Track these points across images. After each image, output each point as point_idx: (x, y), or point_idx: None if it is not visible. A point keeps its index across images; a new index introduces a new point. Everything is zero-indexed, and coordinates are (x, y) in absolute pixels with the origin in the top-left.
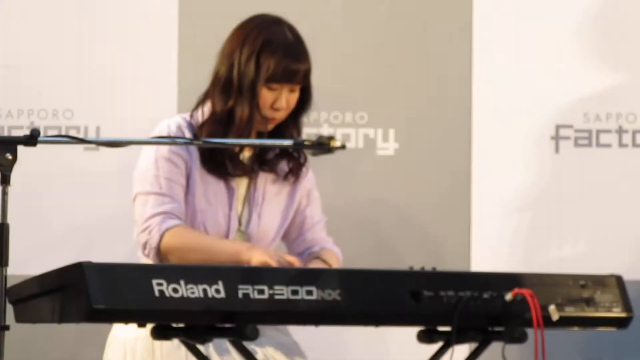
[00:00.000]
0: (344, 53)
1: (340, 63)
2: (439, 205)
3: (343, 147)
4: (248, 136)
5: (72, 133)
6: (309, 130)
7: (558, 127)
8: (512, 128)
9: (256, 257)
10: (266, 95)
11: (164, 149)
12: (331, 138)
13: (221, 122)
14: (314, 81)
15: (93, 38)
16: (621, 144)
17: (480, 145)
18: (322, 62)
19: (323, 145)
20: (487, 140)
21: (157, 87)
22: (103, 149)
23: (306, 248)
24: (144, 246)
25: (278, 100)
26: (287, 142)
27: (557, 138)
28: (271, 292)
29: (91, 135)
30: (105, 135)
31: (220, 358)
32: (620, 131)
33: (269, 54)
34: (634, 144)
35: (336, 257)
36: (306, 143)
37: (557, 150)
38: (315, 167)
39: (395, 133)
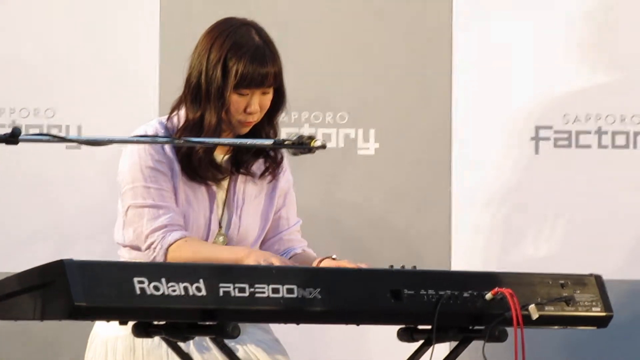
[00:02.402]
0: (325, 53)
1: (321, 63)
2: (419, 205)
3: (323, 146)
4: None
5: (54, 132)
6: (289, 130)
7: (538, 128)
8: (492, 129)
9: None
10: (238, 101)
11: (148, 158)
12: (312, 138)
13: (193, 130)
14: (295, 81)
15: (74, 37)
16: (601, 145)
17: (460, 146)
18: (303, 62)
19: (303, 145)
20: (467, 141)
21: (139, 86)
22: (85, 147)
23: (286, 249)
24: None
25: (250, 105)
26: (268, 142)
27: (537, 139)
28: (252, 290)
29: (73, 134)
30: (86, 134)
31: (201, 356)
32: (600, 132)
33: (236, 59)
34: (614, 145)
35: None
36: (287, 143)
37: (537, 151)
38: (295, 166)
39: (376, 133)
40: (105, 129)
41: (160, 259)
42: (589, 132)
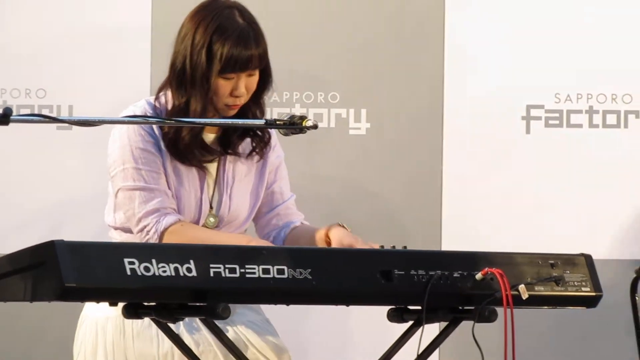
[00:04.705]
0: (317, 33)
1: (312, 43)
2: (410, 185)
3: (315, 126)
4: (202, 128)
5: (45, 112)
6: (281, 110)
7: (529, 108)
8: (484, 108)
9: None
10: (223, 85)
11: (137, 140)
12: (303, 118)
13: (179, 115)
14: (286, 61)
15: (66, 17)
16: (592, 125)
17: (451, 125)
18: (295, 42)
19: (295, 125)
20: (459, 120)
21: (130, 66)
22: (76, 128)
23: (285, 222)
24: None
25: (237, 88)
26: (260, 122)
27: (528, 118)
28: (242, 270)
29: (64, 115)
30: (78, 115)
31: (191, 337)
32: (591, 112)
33: (220, 43)
34: (605, 125)
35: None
36: (278, 122)
37: (528, 130)
38: (287, 146)
39: (367, 113)
40: (96, 109)
41: (154, 242)
42: (580, 112)
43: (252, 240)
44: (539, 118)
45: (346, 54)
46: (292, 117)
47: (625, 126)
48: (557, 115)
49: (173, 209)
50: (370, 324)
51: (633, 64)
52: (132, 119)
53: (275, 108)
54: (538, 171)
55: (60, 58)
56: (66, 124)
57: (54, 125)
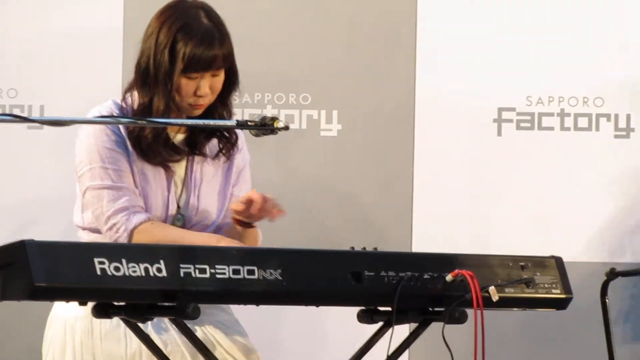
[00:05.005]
0: (289, 35)
1: (284, 44)
2: (381, 186)
3: (286, 128)
4: (165, 127)
5: (16, 112)
6: (252, 111)
7: (500, 110)
8: (455, 110)
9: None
10: (187, 84)
11: (104, 139)
12: (274, 119)
13: (143, 114)
14: (258, 62)
15: (37, 18)
16: (563, 128)
17: (423, 127)
18: (267, 44)
19: (267, 126)
20: (430, 122)
21: (102, 67)
22: (47, 128)
23: (229, 221)
24: None
25: (200, 88)
26: (232, 123)
27: (499, 121)
28: (212, 271)
29: (35, 115)
30: (49, 115)
31: (159, 337)
32: (563, 114)
33: (183, 42)
34: (576, 128)
35: (254, 236)
36: (250, 124)
37: (499, 133)
38: (258, 147)
39: (339, 114)
40: (68, 109)
41: (123, 240)
42: (551, 114)
43: (222, 239)
44: (510, 121)
45: (318, 56)
46: (264, 118)
47: (597, 129)
48: (528, 118)
49: (141, 207)
50: (341, 324)
51: (604, 67)
52: (103, 119)
53: (246, 109)
54: (509, 174)
55: (32, 58)
56: (37, 124)
57: (25, 125)
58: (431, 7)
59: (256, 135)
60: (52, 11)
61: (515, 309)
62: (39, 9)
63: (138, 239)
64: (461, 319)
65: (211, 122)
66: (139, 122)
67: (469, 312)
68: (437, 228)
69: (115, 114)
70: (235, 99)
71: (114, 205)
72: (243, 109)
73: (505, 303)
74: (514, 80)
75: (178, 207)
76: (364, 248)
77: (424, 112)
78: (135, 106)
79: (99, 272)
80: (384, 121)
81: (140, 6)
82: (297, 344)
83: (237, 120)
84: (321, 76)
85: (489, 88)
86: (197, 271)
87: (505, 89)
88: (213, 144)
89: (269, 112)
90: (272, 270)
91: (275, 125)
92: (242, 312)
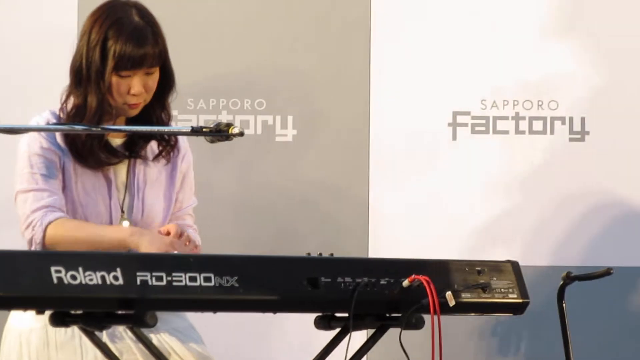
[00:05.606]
0: (243, 39)
1: (239, 50)
2: (337, 192)
3: (241, 134)
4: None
5: None
6: (207, 117)
7: (455, 114)
8: (410, 115)
9: (137, 237)
10: (119, 83)
11: (36, 146)
12: (229, 125)
13: (78, 115)
14: (212, 68)
15: None
16: (518, 131)
17: (378, 132)
18: (220, 50)
19: (222, 132)
20: (385, 126)
21: (55, 74)
22: (1, 135)
23: None
24: (30, 243)
25: (132, 87)
26: (186, 129)
27: (454, 125)
28: (169, 278)
29: None
30: (3, 123)
31: (114, 345)
32: (517, 118)
33: (113, 40)
34: (531, 131)
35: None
36: (205, 130)
37: (454, 137)
38: (213, 154)
39: (294, 120)
40: (22, 117)
41: (38, 237)
42: (506, 118)
43: (134, 232)
44: (465, 124)
45: (272, 61)
46: (219, 124)
47: (552, 132)
48: (483, 121)
49: (62, 209)
50: (300, 330)
51: (559, 70)
52: (57, 127)
53: (201, 115)
54: (465, 177)
55: None
56: None
57: None
58: (385, 11)
59: (211, 141)
60: (4, 12)
61: (472, 314)
62: None
63: (51, 234)
64: (418, 324)
65: (165, 128)
66: (93, 129)
67: (426, 317)
68: (393, 233)
69: (51, 124)
70: (191, 105)
71: (35, 205)
72: (198, 115)
73: (462, 308)
74: (469, 84)
75: (122, 211)
76: (320, 254)
77: (379, 117)
78: (69, 108)
79: (55, 281)
80: (339, 126)
81: (95, 6)
82: (254, 351)
83: (192, 127)
84: (276, 81)
85: (443, 92)
86: (153, 279)
87: (460, 92)
88: (152, 147)
89: (224, 118)
90: (228, 277)
91: (230, 131)
92: (199, 318)
